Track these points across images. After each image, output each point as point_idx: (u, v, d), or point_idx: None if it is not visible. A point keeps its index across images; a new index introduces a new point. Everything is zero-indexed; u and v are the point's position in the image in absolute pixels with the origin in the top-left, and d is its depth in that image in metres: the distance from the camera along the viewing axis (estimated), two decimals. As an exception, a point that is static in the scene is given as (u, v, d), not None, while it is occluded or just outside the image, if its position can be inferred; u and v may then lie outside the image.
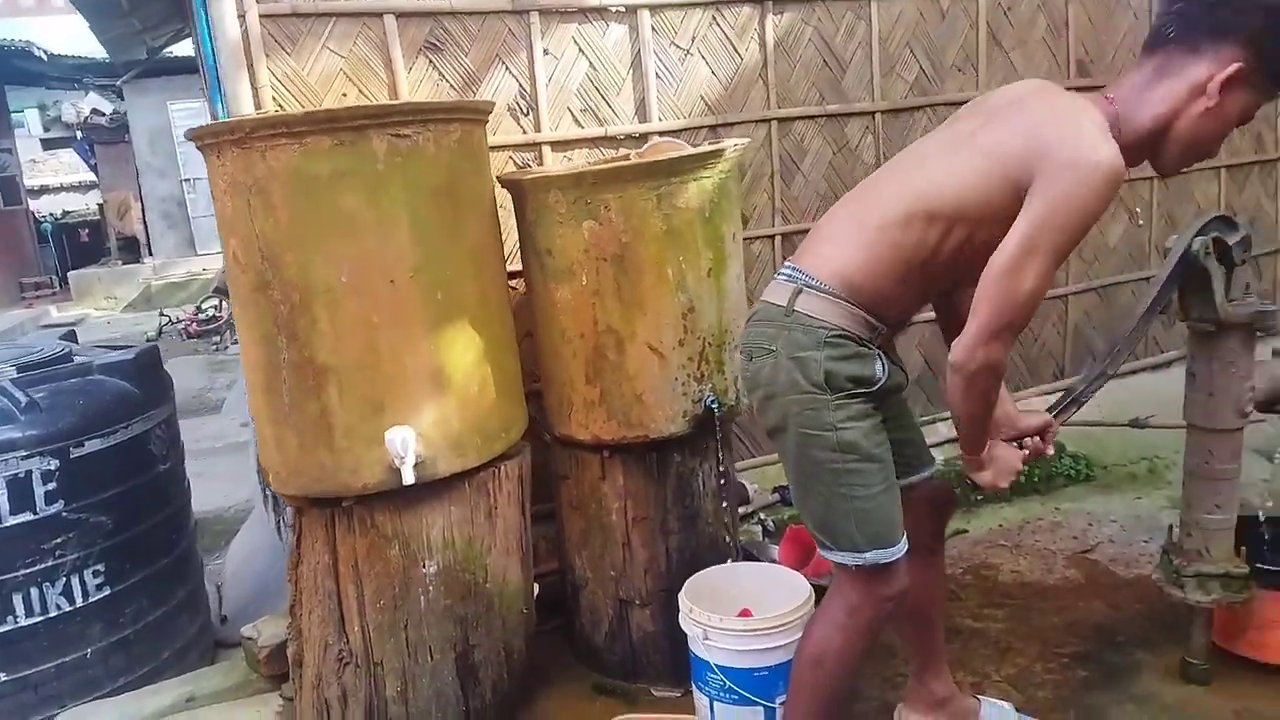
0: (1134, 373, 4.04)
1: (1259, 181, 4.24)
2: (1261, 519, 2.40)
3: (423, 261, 1.94)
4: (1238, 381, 2.08)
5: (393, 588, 2.09)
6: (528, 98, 2.77)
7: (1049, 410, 1.98)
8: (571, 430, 2.35)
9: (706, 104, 3.04)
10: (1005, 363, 1.55)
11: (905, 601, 1.78)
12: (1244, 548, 2.26)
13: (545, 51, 2.77)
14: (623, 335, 2.19)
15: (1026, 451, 1.84)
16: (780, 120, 3.16)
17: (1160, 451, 3.78)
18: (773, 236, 3.23)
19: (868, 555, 1.65)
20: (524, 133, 2.78)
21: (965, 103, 3.34)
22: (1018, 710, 2.17)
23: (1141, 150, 1.61)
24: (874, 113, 3.31)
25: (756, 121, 3.12)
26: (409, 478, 1.92)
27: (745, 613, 2.27)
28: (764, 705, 2.11)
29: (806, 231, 3.24)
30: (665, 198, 2.12)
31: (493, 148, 2.71)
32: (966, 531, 3.31)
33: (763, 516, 3.18)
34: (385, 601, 2.10)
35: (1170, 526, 2.30)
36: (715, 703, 2.13)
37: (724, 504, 2.40)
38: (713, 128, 3.05)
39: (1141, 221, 3.97)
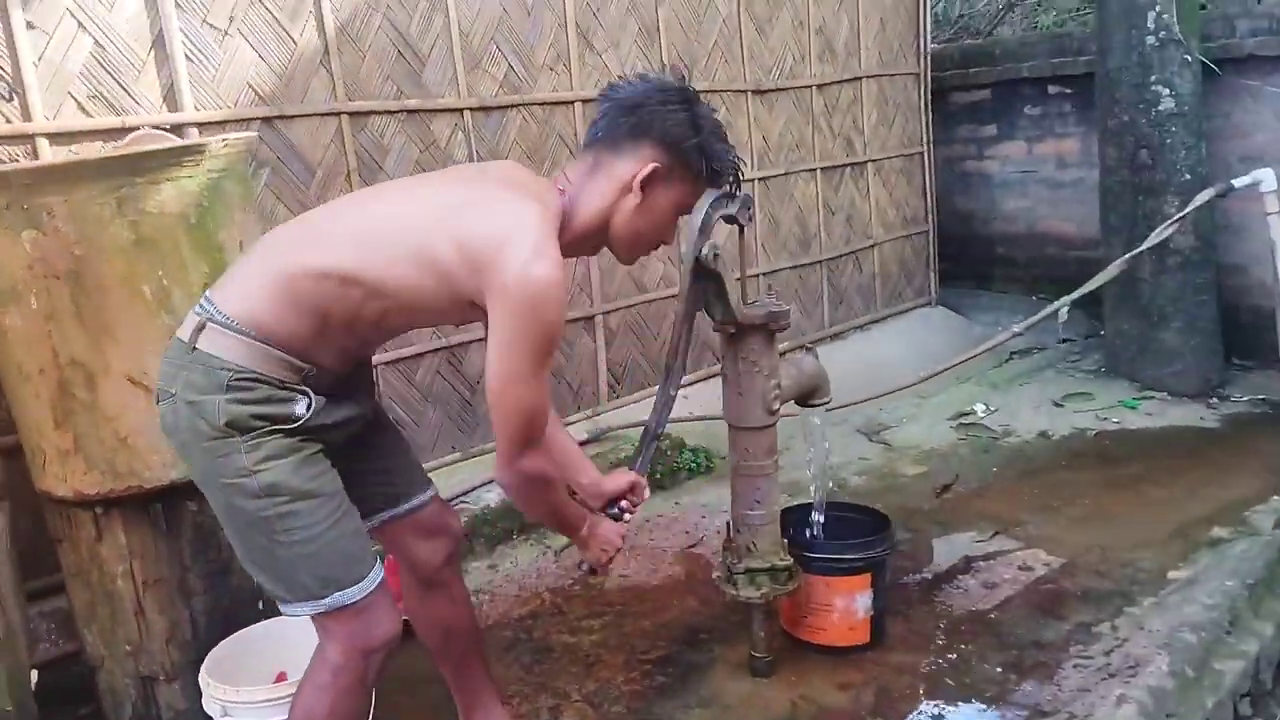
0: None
1: (851, 182, 4.60)
2: (814, 505, 2.49)
3: None
4: (762, 380, 2.11)
5: None
6: (9, 80, 2.29)
7: (629, 464, 1.97)
8: (49, 485, 1.94)
9: (257, 93, 2.70)
10: (546, 468, 1.58)
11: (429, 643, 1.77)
12: (787, 539, 2.34)
13: (30, 25, 2.29)
14: (93, 368, 1.83)
15: (627, 519, 1.88)
16: (353, 114, 2.89)
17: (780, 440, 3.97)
18: (355, 242, 2.95)
19: (326, 600, 1.51)
20: (8, 122, 2.29)
21: (562, 103, 3.35)
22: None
23: (592, 240, 1.64)
24: (463, 110, 3.13)
25: (324, 115, 2.83)
26: None
27: (282, 677, 2.00)
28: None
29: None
30: (129, 201, 1.78)
31: (-40, 141, 2.23)
32: (586, 539, 3.24)
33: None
34: None
35: (727, 523, 2.32)
36: (243, 784, 1.84)
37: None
38: (267, 119, 2.72)
39: None
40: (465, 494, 3.17)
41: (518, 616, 2.72)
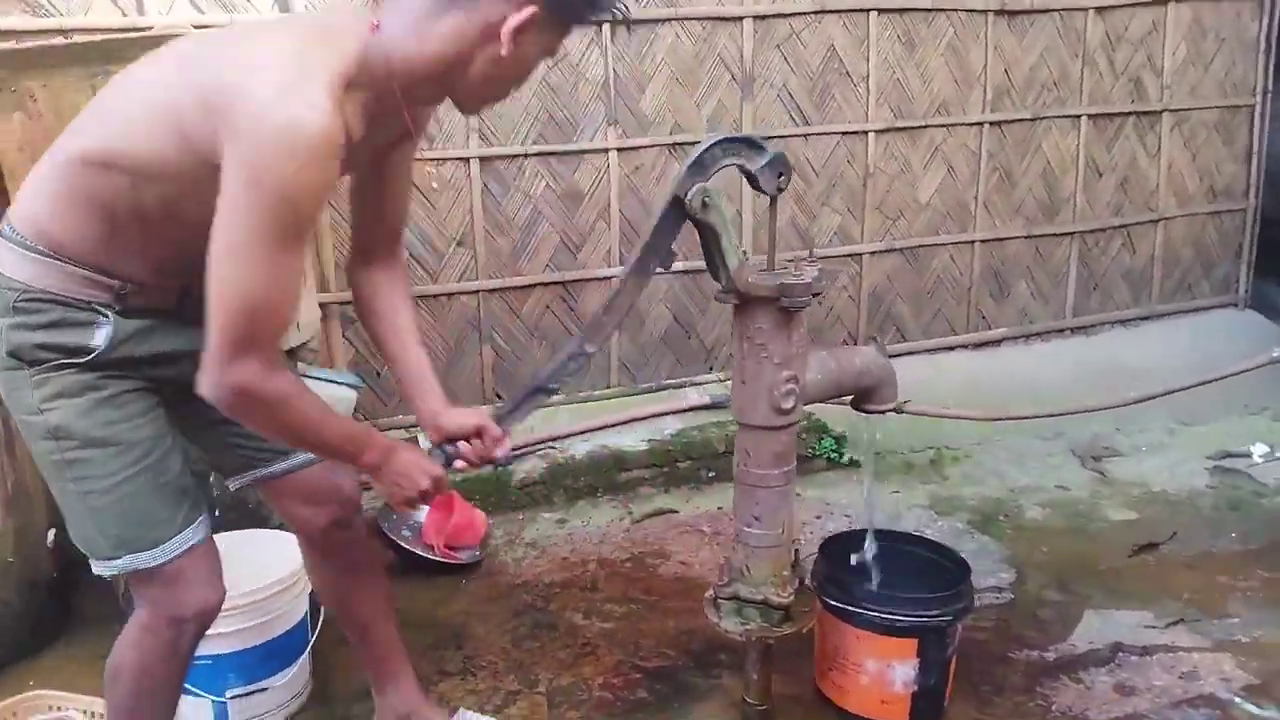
0: (950, 349, 3.56)
1: (1135, 135, 3.62)
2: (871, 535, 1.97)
3: None
4: (770, 369, 1.64)
5: None
6: (127, -26, 2.40)
7: (500, 412, 1.57)
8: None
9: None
10: (273, 384, 1.21)
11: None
12: (825, 572, 1.87)
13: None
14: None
15: (457, 465, 1.49)
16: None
17: (954, 442, 3.32)
18: (468, 159, 2.82)
19: (118, 562, 1.36)
20: (124, 15, 2.40)
21: (728, 19, 2.91)
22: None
23: (425, 90, 1.28)
24: (600, 22, 2.83)
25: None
26: None
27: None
28: (211, 699, 1.89)
29: (512, 158, 2.88)
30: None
31: (85, 30, 2.37)
32: (676, 512, 2.93)
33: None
34: None
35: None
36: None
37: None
38: (380, 25, 2.63)
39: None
40: (555, 439, 2.98)
41: (548, 583, 2.50)
